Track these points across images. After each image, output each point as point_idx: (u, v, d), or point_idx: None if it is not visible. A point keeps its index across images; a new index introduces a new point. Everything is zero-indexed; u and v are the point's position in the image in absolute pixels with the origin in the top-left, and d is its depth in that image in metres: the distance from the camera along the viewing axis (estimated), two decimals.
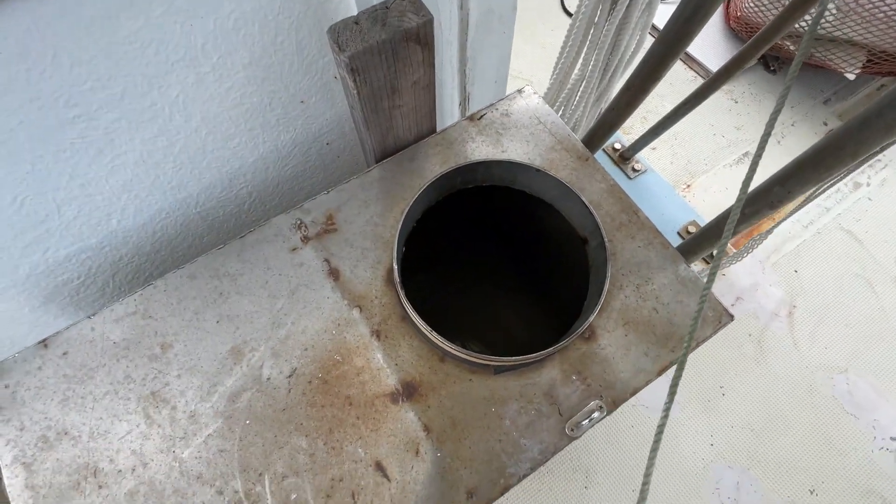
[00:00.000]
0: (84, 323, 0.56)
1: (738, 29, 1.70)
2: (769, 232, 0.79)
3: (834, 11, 1.38)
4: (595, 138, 0.85)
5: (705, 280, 0.41)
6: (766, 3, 1.51)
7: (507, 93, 0.73)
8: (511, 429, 0.53)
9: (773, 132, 1.59)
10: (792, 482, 0.98)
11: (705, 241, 0.72)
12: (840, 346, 1.11)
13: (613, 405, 0.54)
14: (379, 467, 0.51)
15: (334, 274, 0.59)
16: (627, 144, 1.34)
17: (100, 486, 0.50)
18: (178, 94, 0.55)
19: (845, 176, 0.68)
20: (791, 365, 1.09)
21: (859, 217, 1.28)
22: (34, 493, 0.49)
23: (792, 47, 1.55)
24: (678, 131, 1.58)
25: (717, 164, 1.52)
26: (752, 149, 1.55)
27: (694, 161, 1.52)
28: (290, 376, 0.54)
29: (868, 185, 1.34)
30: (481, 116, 0.69)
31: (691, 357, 1.10)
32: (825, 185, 0.65)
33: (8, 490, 0.49)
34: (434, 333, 0.51)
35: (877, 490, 0.97)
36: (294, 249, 0.61)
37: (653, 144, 1.56)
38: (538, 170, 0.58)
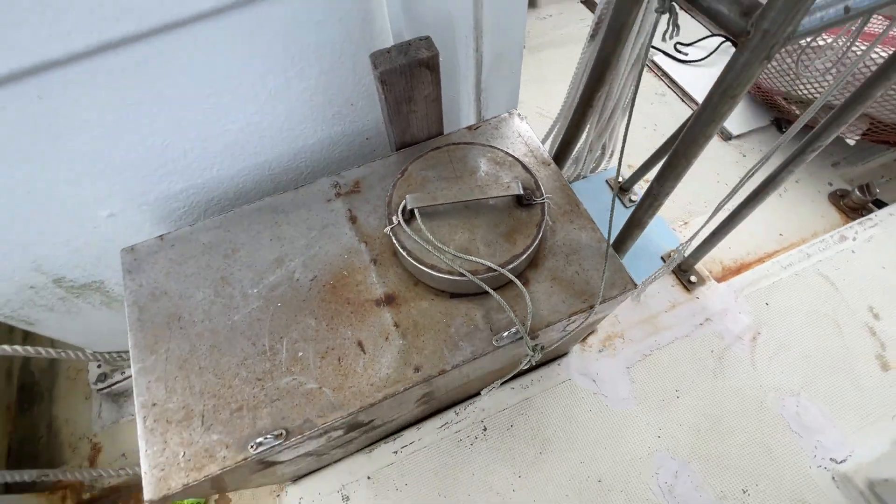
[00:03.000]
0: (187, 228, 0.85)
1: (754, 92, 1.87)
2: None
3: (830, 81, 1.53)
4: (560, 152, 1.07)
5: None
6: (776, 72, 1.68)
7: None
8: (455, 335, 0.74)
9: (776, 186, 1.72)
10: (727, 479, 1.08)
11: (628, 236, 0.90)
12: (797, 373, 1.21)
13: (531, 329, 0.73)
14: (360, 345, 0.74)
15: (353, 219, 0.85)
16: (627, 177, 1.53)
17: (181, 328, 0.76)
18: (272, 88, 0.84)
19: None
20: (746, 382, 1.20)
21: (839, 266, 1.38)
22: (142, 325, 0.76)
23: (798, 112, 1.70)
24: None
25: (742, 214, 1.66)
26: None
27: (694, 202, 1.68)
28: (311, 280, 0.79)
29: (854, 239, 1.44)
30: (477, 127, 0.94)
31: (654, 359, 1.25)
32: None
33: (127, 318, 0.76)
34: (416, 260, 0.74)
35: (808, 501, 1.05)
36: (329, 200, 0.87)
37: None
38: (489, 145, 0.81)
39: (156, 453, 0.67)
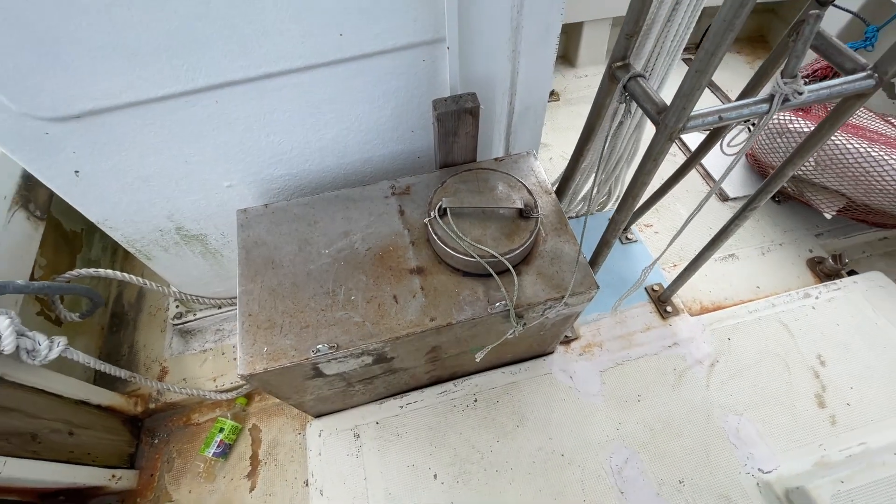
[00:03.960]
0: (284, 202, 1.19)
1: (752, 163, 2.14)
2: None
3: (813, 164, 1.78)
4: (562, 186, 1.37)
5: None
6: (768, 149, 1.95)
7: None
8: (462, 301, 1.03)
9: (761, 245, 1.96)
10: (668, 471, 1.30)
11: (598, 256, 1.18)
12: (744, 397, 1.43)
13: (516, 306, 1.02)
14: (394, 297, 1.04)
15: (402, 212, 1.17)
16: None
17: (273, 268, 1.09)
18: (359, 113, 1.18)
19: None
20: (698, 398, 1.43)
21: (798, 318, 1.60)
22: (247, 262, 1.09)
23: (785, 183, 1.95)
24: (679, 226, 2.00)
25: (705, 256, 1.91)
26: (739, 253, 1.93)
27: (686, 249, 1.93)
28: (367, 249, 1.11)
29: (817, 297, 1.66)
30: (502, 159, 1.26)
31: (625, 368, 1.49)
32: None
33: (237, 257, 1.09)
34: (443, 244, 1.05)
35: (731, 498, 1.25)
36: (386, 197, 1.20)
37: (656, 228, 2.01)
38: (507, 173, 1.12)
39: (248, 345, 0.99)
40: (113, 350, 1.77)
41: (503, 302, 1.02)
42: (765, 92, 0.76)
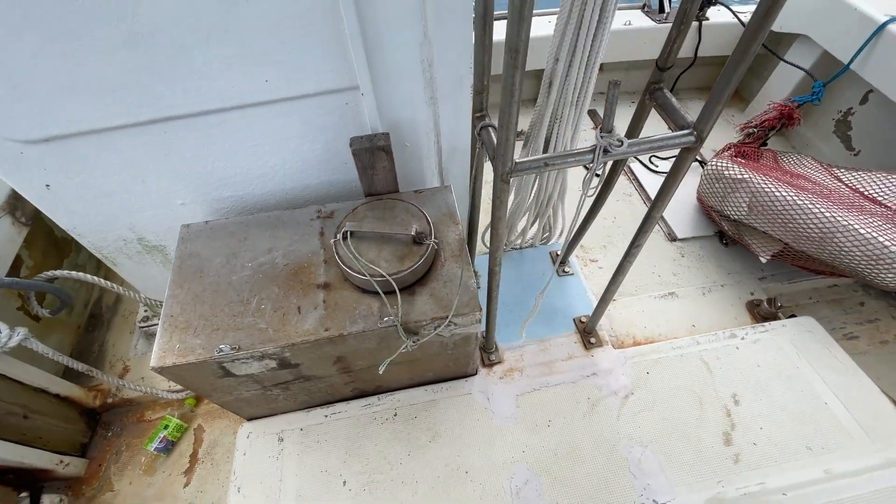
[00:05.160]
0: (223, 220, 1.35)
1: (701, 206, 2.21)
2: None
3: (746, 209, 1.85)
4: (472, 220, 1.50)
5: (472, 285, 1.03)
6: (709, 192, 2.03)
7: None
8: (357, 315, 1.15)
9: (703, 286, 2.01)
10: (565, 496, 1.34)
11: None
12: (652, 430, 1.47)
13: (404, 322, 1.13)
14: (298, 308, 1.17)
15: (321, 234, 1.31)
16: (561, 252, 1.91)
17: (200, 277, 1.23)
18: (292, 146, 1.35)
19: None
20: (607, 428, 1.48)
21: (721, 356, 1.64)
22: (180, 271, 1.24)
23: (725, 225, 2.02)
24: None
25: (644, 293, 1.98)
26: (680, 291, 1.99)
27: (626, 285, 2.00)
28: (284, 265, 1.25)
29: (742, 338, 1.70)
30: (420, 192, 1.40)
31: (541, 393, 1.56)
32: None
33: (172, 266, 1.25)
34: (347, 268, 1.18)
35: None
36: (311, 220, 1.35)
37: (601, 264, 2.10)
38: (413, 204, 1.25)
39: (163, 343, 1.12)
40: (85, 347, 1.94)
41: (391, 318, 1.13)
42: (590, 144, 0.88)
